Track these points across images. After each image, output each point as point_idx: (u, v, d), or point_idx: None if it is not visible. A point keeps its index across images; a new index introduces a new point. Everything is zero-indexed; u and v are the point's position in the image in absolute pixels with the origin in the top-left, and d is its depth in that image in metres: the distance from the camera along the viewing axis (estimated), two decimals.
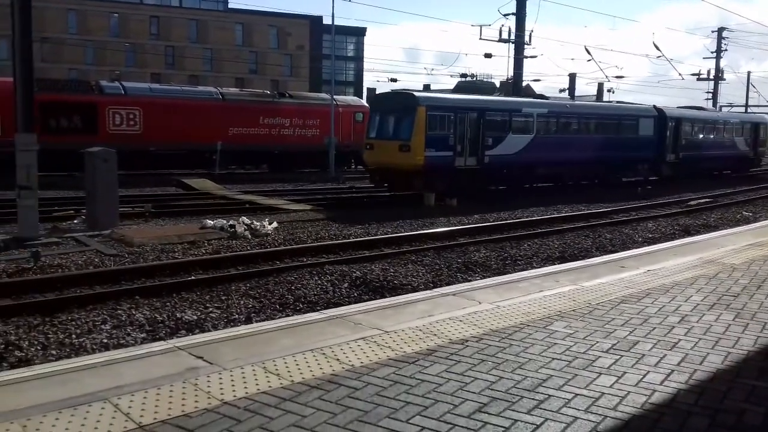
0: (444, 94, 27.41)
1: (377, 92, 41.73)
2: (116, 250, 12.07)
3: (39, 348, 6.84)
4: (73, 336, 7.22)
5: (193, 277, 9.94)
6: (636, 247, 11.67)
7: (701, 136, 34.25)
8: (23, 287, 9.04)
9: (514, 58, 36.43)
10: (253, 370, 4.09)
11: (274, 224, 14.70)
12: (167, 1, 73.38)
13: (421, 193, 21.32)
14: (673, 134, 31.50)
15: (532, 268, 10.69)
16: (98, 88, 28.41)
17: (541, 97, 30.37)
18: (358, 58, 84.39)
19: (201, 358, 4.28)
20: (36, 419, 3.28)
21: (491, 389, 3.87)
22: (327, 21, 57.90)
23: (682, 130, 32.14)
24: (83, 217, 15.44)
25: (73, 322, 7.67)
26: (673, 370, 4.24)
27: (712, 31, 54.67)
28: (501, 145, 23.50)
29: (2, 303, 8.29)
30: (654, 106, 31.37)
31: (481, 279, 9.16)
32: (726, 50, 54.63)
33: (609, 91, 57.26)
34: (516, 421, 3.44)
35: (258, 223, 14.49)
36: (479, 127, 22.68)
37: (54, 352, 6.74)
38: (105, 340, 7.12)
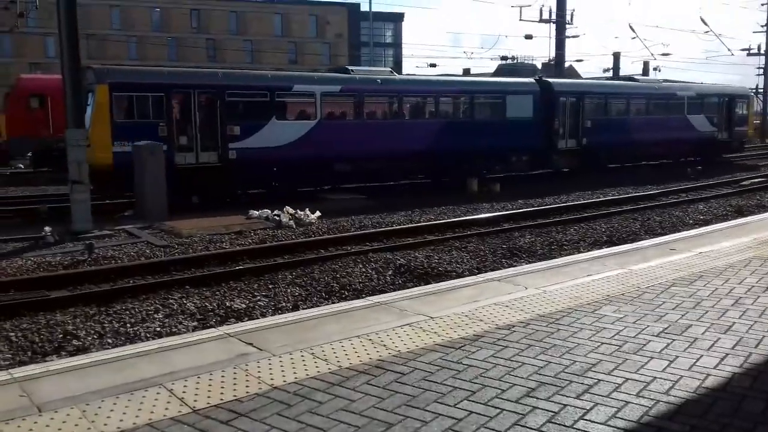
0: (132, 67, 21.97)
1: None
2: (166, 241, 12.35)
3: (95, 336, 7.07)
4: (128, 325, 7.44)
5: (240, 267, 10.12)
6: (687, 230, 11.39)
7: (621, 115, 27.07)
8: (79, 278, 9.34)
9: (556, 38, 35.88)
10: (302, 355, 4.15)
11: (318, 213, 14.82)
12: None
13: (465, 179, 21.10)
14: (569, 114, 24.68)
15: (579, 252, 10.56)
16: None
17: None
18: (396, 44, 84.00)
19: (251, 344, 4.36)
20: (95, 404, 3.40)
21: (539, 374, 3.84)
22: (365, 8, 57.87)
23: (584, 108, 25.03)
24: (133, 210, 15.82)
25: (127, 312, 7.90)
26: (727, 354, 4.14)
27: (762, 4, 52.53)
28: (257, 136, 18.04)
29: (59, 294, 8.59)
30: (537, 79, 24.93)
31: (527, 264, 9.08)
32: None
33: (655, 69, 55.84)
34: (565, 405, 3.41)
35: (302, 213, 14.63)
36: (217, 111, 17.57)
37: (110, 340, 6.96)
38: (158, 329, 7.32)
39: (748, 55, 52.84)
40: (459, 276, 9.26)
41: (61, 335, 7.08)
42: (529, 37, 39.44)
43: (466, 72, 54.53)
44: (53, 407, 3.35)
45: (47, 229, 12.63)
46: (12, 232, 12.97)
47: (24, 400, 3.46)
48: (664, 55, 68.68)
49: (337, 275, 9.77)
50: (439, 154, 21.37)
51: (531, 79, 24.89)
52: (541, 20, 35.57)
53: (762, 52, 52.80)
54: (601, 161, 25.60)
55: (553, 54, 36.99)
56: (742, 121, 32.32)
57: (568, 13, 35.88)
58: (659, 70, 55.33)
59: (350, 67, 21.34)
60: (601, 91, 26.99)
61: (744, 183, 21.99)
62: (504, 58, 49.54)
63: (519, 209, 16.23)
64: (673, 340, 4.42)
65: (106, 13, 65.82)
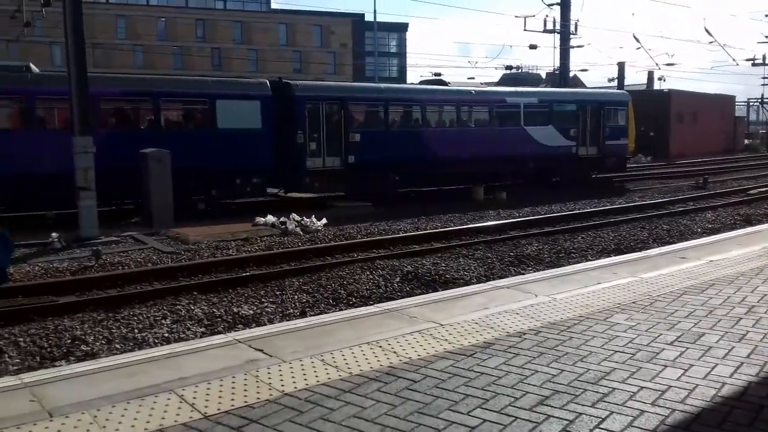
0: None
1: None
2: (173, 247, 12.35)
3: (104, 342, 7.06)
4: (136, 330, 7.43)
5: (248, 273, 10.10)
6: (695, 238, 11.34)
7: (413, 127, 21.50)
8: (86, 284, 9.35)
9: (560, 48, 35.90)
10: (312, 362, 4.12)
11: (324, 220, 14.81)
12: (212, 3, 74.62)
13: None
14: (325, 125, 19.31)
15: (587, 260, 10.50)
16: None
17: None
18: (401, 53, 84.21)
19: (260, 350, 4.34)
20: (105, 409, 3.37)
21: (552, 382, 3.80)
22: (369, 18, 58.08)
23: (348, 118, 19.80)
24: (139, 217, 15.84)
25: (135, 317, 7.89)
26: (742, 363, 4.09)
27: (766, 15, 52.63)
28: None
29: (67, 300, 8.59)
30: (272, 81, 19.49)
31: (535, 272, 9.03)
32: None
33: (660, 79, 55.89)
34: (580, 414, 3.37)
35: (308, 220, 14.62)
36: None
37: (118, 345, 6.95)
38: (166, 334, 7.31)
39: (753, 65, 52.82)
40: (467, 283, 9.22)
41: (69, 340, 7.06)
42: (533, 47, 39.48)
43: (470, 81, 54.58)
44: (64, 412, 3.33)
45: (54, 235, 12.65)
46: (20, 239, 12.98)
47: (35, 405, 3.44)
48: (668, 65, 68.68)
49: (345, 282, 9.75)
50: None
51: (261, 80, 19.82)
52: (545, 30, 35.65)
53: (767, 62, 52.75)
54: (379, 184, 20.18)
55: (557, 64, 37.04)
56: (617, 133, 25.95)
57: (572, 23, 35.96)
58: (664, 80, 55.40)
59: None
60: (374, 96, 21.20)
61: (751, 192, 21.91)
62: (509, 67, 49.62)
63: (525, 217, 16.20)
64: (687, 348, 4.38)
65: (112, 23, 66.14)
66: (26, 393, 3.59)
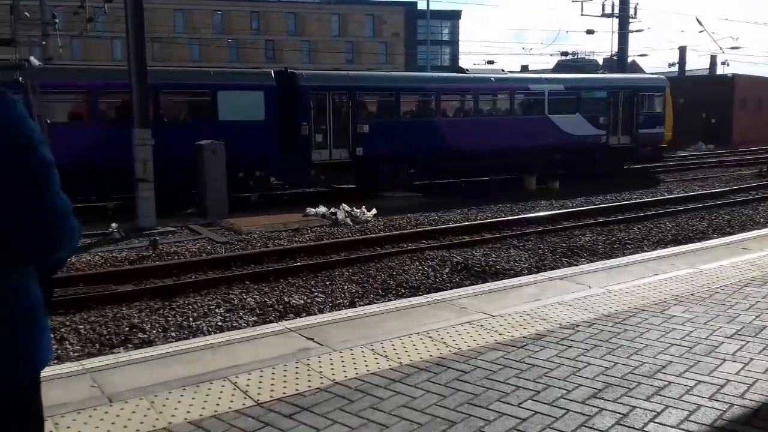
0: None
1: None
2: (227, 237, 12.60)
3: (160, 330, 7.26)
4: (191, 319, 7.61)
5: (298, 263, 10.23)
6: (758, 228, 10.92)
7: (426, 117, 20.53)
8: (143, 274, 9.62)
9: (618, 32, 34.99)
10: (362, 351, 4.14)
11: (374, 211, 14.86)
12: None
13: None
14: (332, 117, 18.71)
15: (643, 251, 10.24)
16: None
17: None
18: (453, 42, 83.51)
19: (312, 339, 4.39)
20: (162, 395, 3.47)
21: (606, 375, 3.73)
22: (422, 6, 57.74)
23: (356, 108, 19.02)
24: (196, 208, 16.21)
25: (190, 306, 8.08)
26: None
27: None
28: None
29: (125, 289, 8.87)
30: (277, 71, 18.96)
31: (588, 263, 8.86)
32: None
33: (723, 63, 53.91)
34: (634, 407, 3.29)
35: (358, 210, 14.69)
36: None
37: (173, 333, 7.13)
38: (219, 323, 7.47)
39: None
40: (518, 274, 9.11)
41: (127, 328, 7.29)
42: (590, 32, 38.60)
43: (524, 69, 53.76)
44: (123, 398, 3.44)
45: (114, 225, 13.06)
46: (81, 229, 13.45)
47: (95, 390, 3.56)
48: (733, 48, 66.15)
49: (394, 272, 9.76)
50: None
51: (265, 71, 19.46)
52: (603, 15, 34.75)
53: None
54: (388, 176, 19.51)
55: (615, 49, 36.11)
56: (652, 121, 24.24)
57: (632, 6, 34.97)
58: (728, 65, 53.39)
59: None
60: (384, 85, 20.30)
61: None
62: (564, 54, 48.71)
63: (579, 207, 15.89)
64: (747, 341, 4.23)
65: (170, 17, 67.64)
66: (87, 378, 3.72)
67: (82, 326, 7.38)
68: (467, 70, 22.47)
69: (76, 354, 6.50)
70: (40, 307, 1.64)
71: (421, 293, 8.15)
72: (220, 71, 20.38)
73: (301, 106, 18.14)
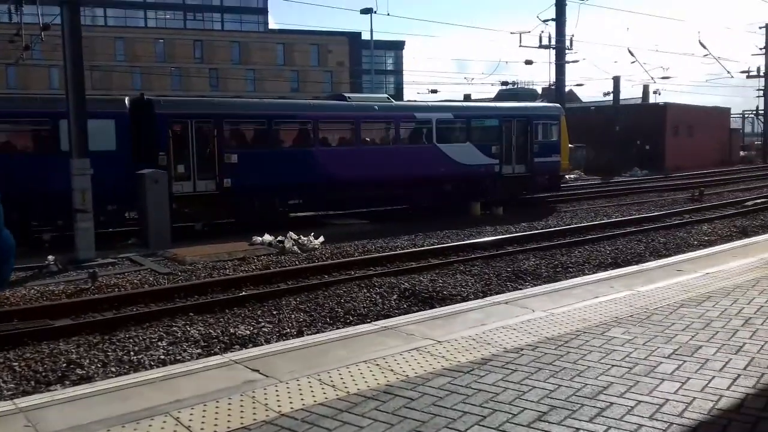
0: None
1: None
2: (169, 268, 12.32)
3: (99, 365, 7.02)
4: (131, 353, 7.39)
5: (244, 293, 10.07)
6: (692, 251, 11.34)
7: (301, 146, 19.38)
8: (82, 307, 9.31)
9: (556, 63, 36.10)
10: (309, 381, 4.10)
11: (321, 239, 14.81)
12: (210, 24, 75.22)
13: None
14: (195, 146, 17.41)
15: (585, 274, 10.50)
16: None
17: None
18: (398, 71, 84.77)
19: (257, 371, 4.32)
20: None
21: (550, 397, 3.78)
22: (366, 36, 58.51)
23: (222, 137, 17.90)
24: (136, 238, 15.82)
25: (131, 340, 7.85)
26: (739, 375, 4.08)
27: (760, 27, 52.99)
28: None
29: (63, 323, 8.55)
30: (133, 98, 17.91)
31: (532, 287, 9.02)
32: None
33: (655, 92, 56.24)
34: (578, 429, 3.35)
35: (305, 238, 14.62)
36: None
37: (114, 368, 6.91)
38: (162, 357, 7.27)
39: (748, 77, 53.12)
40: (464, 299, 9.20)
41: (64, 364, 7.02)
42: (529, 62, 39.67)
43: (467, 98, 54.89)
44: None
45: (51, 257, 12.61)
46: (16, 261, 12.94)
47: (29, 430, 3.42)
48: (664, 78, 69.15)
49: (342, 300, 9.72)
50: None
51: (117, 98, 18.35)
52: (541, 46, 35.80)
53: (761, 74, 53.08)
54: (262, 210, 18.34)
55: (553, 79, 37.23)
56: (548, 149, 24.04)
57: (568, 38, 36.19)
58: (659, 93, 55.71)
59: None
60: (254, 113, 19.30)
61: (747, 204, 21.96)
62: (504, 83, 49.92)
63: (522, 232, 16.20)
64: (685, 361, 4.37)
65: (110, 45, 66.54)
66: (21, 418, 3.57)
67: (16, 363, 7.08)
68: (349, 97, 21.29)
69: (9, 392, 6.22)
70: None
71: (369, 320, 8.13)
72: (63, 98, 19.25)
73: (158, 135, 17.02)
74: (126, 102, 17.30)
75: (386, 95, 24.85)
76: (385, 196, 20.99)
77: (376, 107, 21.32)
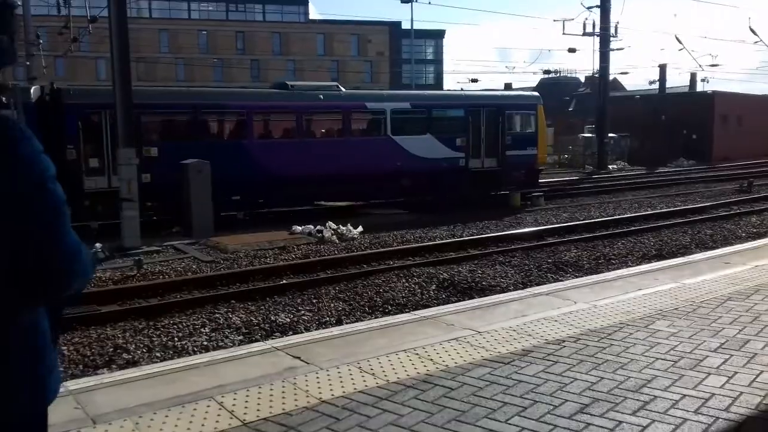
0: None
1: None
2: (212, 256, 12.53)
3: (145, 350, 7.19)
4: (176, 339, 7.54)
5: (284, 281, 10.19)
6: (740, 243, 11.05)
7: (234, 139, 18.40)
8: (128, 293, 9.53)
9: (600, 51, 35.45)
10: (349, 369, 4.13)
11: (360, 228, 14.86)
12: (251, 16, 75.85)
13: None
14: (107, 138, 16.14)
15: (628, 266, 10.31)
16: None
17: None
18: (438, 60, 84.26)
19: (298, 358, 4.37)
20: (147, 416, 3.44)
21: (592, 390, 3.74)
22: (406, 26, 58.31)
23: (145, 128, 16.77)
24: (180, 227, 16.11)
25: (175, 326, 8.01)
26: None
27: None
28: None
29: (110, 309, 8.78)
30: (44, 87, 16.77)
31: (574, 279, 8.91)
32: None
33: (703, 81, 54.72)
34: (620, 422, 3.31)
35: (344, 228, 14.68)
36: None
37: (158, 354, 7.07)
38: (205, 342, 7.40)
39: None
40: (504, 290, 9.13)
41: (111, 349, 7.21)
42: (572, 50, 38.95)
43: (507, 87, 54.27)
44: (107, 419, 3.40)
45: (98, 245, 12.92)
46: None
47: (78, 412, 3.52)
48: (713, 65, 66.96)
49: (380, 290, 9.75)
50: None
51: (26, 86, 16.68)
52: (585, 34, 35.16)
53: None
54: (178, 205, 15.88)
55: (597, 67, 36.56)
56: (522, 141, 21.87)
57: (612, 25, 35.46)
58: (707, 81, 54.14)
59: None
60: (177, 102, 18.07)
61: None
62: (546, 72, 49.25)
63: (564, 223, 15.99)
64: (732, 355, 4.27)
65: (155, 37, 67.72)
66: (70, 400, 3.68)
67: (65, 347, 7.29)
68: (292, 86, 19.72)
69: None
70: (48, 344, 1.62)
71: (407, 310, 8.13)
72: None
73: (67, 127, 15.78)
74: (32, 92, 16.04)
75: (335, 83, 22.55)
76: (334, 192, 19.53)
77: (321, 96, 19.68)
